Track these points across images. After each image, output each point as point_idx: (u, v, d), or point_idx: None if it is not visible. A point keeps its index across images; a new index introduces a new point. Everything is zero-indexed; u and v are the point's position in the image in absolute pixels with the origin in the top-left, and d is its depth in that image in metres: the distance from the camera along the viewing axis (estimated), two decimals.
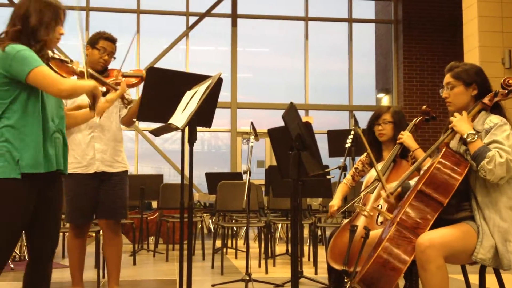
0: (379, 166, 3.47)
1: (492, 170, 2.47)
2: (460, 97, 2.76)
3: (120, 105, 3.85)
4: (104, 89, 3.23)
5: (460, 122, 2.66)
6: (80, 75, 2.92)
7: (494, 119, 2.64)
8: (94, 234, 5.14)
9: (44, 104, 2.51)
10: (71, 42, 3.53)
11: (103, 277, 4.66)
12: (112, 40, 3.80)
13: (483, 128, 2.64)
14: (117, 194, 3.80)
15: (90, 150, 3.73)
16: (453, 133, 2.73)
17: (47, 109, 2.53)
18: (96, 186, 3.76)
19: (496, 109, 2.73)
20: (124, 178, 3.87)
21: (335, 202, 3.70)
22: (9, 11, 2.63)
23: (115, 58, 3.82)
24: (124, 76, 3.55)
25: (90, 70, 3.06)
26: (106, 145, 3.77)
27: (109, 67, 3.79)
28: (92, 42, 3.77)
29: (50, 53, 2.68)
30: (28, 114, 2.46)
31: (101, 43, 3.74)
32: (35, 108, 2.47)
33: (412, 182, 2.87)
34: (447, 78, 2.80)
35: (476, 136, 2.57)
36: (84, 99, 3.29)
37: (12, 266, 5.25)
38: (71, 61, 2.89)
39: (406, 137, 3.36)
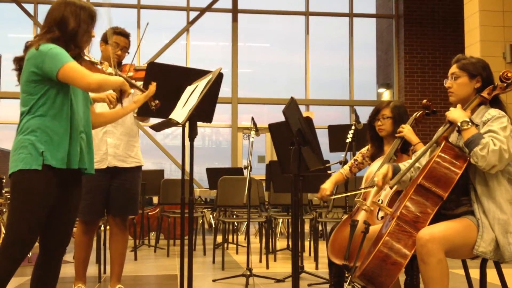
0: (379, 161, 3.47)
1: (484, 157, 2.46)
2: (463, 88, 2.75)
3: (133, 100, 3.84)
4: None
5: (454, 111, 2.67)
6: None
7: (492, 111, 2.64)
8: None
9: (72, 102, 2.55)
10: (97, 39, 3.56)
11: (104, 272, 4.67)
12: (125, 35, 3.80)
13: (481, 121, 2.63)
14: (128, 190, 3.79)
15: (103, 145, 3.73)
16: (452, 127, 2.73)
17: (75, 108, 2.57)
18: (108, 181, 3.75)
19: (496, 103, 2.72)
20: (136, 174, 3.85)
21: (327, 185, 3.69)
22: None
23: (129, 52, 3.82)
24: (137, 70, 3.55)
25: (119, 72, 3.07)
26: (119, 139, 3.76)
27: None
28: (105, 37, 3.75)
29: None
30: (56, 110, 2.51)
31: (114, 38, 3.72)
32: (63, 105, 2.52)
33: (402, 166, 2.86)
34: (453, 68, 2.79)
35: (470, 124, 2.57)
36: (105, 108, 3.31)
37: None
38: (101, 63, 2.92)
39: (407, 130, 3.36)
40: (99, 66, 2.89)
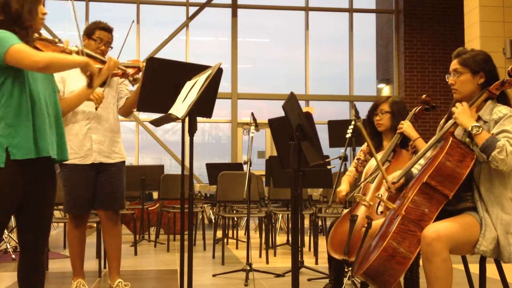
0: (379, 156, 3.47)
1: (504, 160, 2.43)
2: (467, 85, 2.70)
3: (117, 96, 3.85)
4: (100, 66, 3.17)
5: (462, 115, 2.61)
6: (71, 53, 2.86)
7: (503, 109, 2.60)
8: (95, 225, 5.15)
9: (31, 89, 2.44)
10: (71, 33, 3.51)
11: (104, 267, 4.68)
12: (108, 30, 3.77)
13: (491, 118, 2.59)
14: (114, 184, 3.80)
15: (87, 141, 3.72)
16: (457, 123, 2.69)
17: (36, 95, 2.46)
18: (94, 176, 3.76)
19: (502, 98, 2.68)
20: (121, 168, 3.87)
21: (343, 187, 3.69)
22: None
23: (111, 47, 3.80)
24: (126, 66, 3.53)
25: (84, 49, 3.02)
26: (103, 136, 3.76)
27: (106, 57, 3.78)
28: (88, 32, 3.74)
29: (36, 34, 2.63)
30: (15, 100, 2.40)
31: (97, 33, 3.72)
32: (21, 94, 2.41)
33: (415, 170, 2.85)
34: (454, 64, 2.73)
35: (481, 128, 2.53)
36: (81, 79, 3.27)
37: (13, 256, 5.27)
38: (60, 40, 2.82)
39: (407, 126, 3.35)
40: (60, 44, 2.79)
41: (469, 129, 2.55)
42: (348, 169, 3.90)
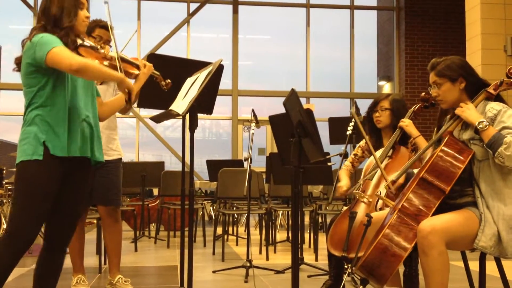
0: (378, 153, 3.47)
1: (510, 156, 2.45)
2: (450, 93, 2.73)
3: (115, 93, 3.85)
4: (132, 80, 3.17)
5: (469, 111, 2.63)
6: (111, 59, 2.89)
7: (495, 106, 2.63)
8: (95, 221, 5.16)
9: (72, 92, 2.57)
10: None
11: (105, 263, 4.69)
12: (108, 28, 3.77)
13: (486, 116, 2.61)
14: (111, 181, 3.81)
15: None
16: (457, 121, 2.71)
17: (74, 98, 2.57)
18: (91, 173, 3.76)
19: (497, 98, 2.71)
20: (118, 165, 3.88)
21: (344, 183, 3.70)
22: None
23: (111, 46, 3.80)
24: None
25: (121, 54, 3.02)
26: (101, 133, 3.76)
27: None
28: (88, 30, 3.74)
29: (79, 40, 2.70)
30: (55, 100, 2.51)
31: (97, 31, 3.72)
32: (61, 95, 2.52)
33: (415, 170, 2.87)
34: (432, 77, 2.77)
35: (487, 124, 2.54)
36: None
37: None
38: (101, 47, 2.86)
39: (408, 123, 3.36)
40: (100, 50, 2.85)
41: (476, 124, 2.56)
42: (344, 163, 3.90)
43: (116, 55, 2.88)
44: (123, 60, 2.98)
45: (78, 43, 2.70)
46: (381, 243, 2.47)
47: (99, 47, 2.85)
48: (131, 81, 2.74)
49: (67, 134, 2.52)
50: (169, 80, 3.00)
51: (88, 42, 2.80)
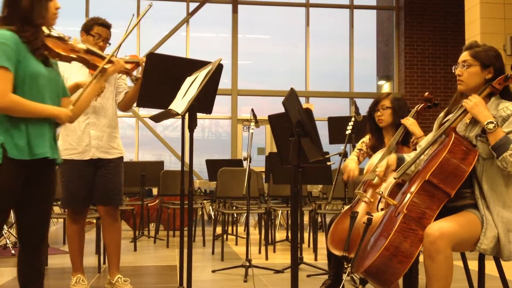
0: (380, 153, 3.47)
1: None
2: (474, 78, 2.66)
3: (116, 91, 3.85)
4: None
5: (478, 108, 2.56)
6: (79, 52, 2.85)
7: (510, 106, 2.57)
8: (94, 221, 5.15)
9: (38, 92, 2.43)
10: (73, 28, 3.50)
11: (104, 263, 4.68)
12: (107, 26, 3.77)
13: (498, 114, 2.55)
14: (112, 180, 3.80)
15: (86, 137, 3.72)
16: (463, 115, 2.66)
17: (42, 98, 2.45)
18: (92, 172, 3.75)
19: (506, 93, 2.66)
20: (119, 164, 3.86)
21: (353, 165, 3.62)
22: None
23: (109, 44, 3.80)
24: (126, 62, 3.53)
25: (90, 47, 3.00)
26: (101, 131, 3.76)
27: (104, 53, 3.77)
28: (87, 28, 3.74)
29: (46, 30, 2.57)
30: None
31: (96, 29, 3.71)
32: (22, 96, 2.38)
33: (407, 157, 2.82)
34: (465, 55, 2.69)
35: (496, 125, 2.49)
36: (83, 78, 3.26)
37: (13, 252, 5.28)
38: (69, 38, 2.78)
39: (411, 123, 3.36)
40: (70, 42, 2.75)
41: (485, 124, 2.51)
42: (350, 156, 3.86)
43: (84, 46, 2.87)
44: (91, 52, 2.96)
45: (46, 34, 2.56)
46: (387, 249, 2.40)
47: (66, 38, 2.74)
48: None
49: (26, 136, 2.39)
50: (140, 76, 2.99)
51: (55, 32, 2.66)
